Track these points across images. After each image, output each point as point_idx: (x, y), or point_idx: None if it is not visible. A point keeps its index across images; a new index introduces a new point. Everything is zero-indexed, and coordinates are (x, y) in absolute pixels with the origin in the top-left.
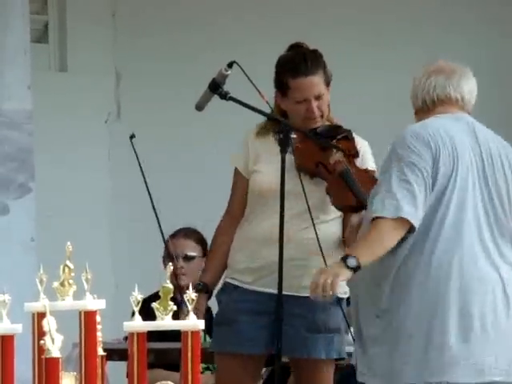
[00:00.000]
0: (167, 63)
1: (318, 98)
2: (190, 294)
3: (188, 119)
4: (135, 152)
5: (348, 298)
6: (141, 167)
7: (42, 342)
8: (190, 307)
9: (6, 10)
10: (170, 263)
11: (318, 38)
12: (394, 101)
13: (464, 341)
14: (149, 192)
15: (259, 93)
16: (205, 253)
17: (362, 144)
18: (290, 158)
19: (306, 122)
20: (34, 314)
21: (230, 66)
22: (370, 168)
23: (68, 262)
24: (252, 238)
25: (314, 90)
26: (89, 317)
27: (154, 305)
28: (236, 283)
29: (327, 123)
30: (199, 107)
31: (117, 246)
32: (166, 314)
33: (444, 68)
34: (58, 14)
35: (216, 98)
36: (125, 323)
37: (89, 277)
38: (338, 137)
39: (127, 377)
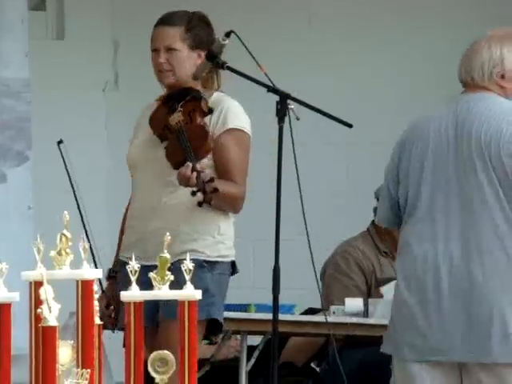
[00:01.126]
0: None
1: (170, 50)
2: (188, 264)
3: None
4: (63, 158)
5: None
6: (68, 173)
7: (38, 310)
8: (187, 277)
9: None
10: (168, 233)
11: (318, 7)
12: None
13: None
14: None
15: (257, 63)
16: None
17: (226, 104)
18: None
19: (158, 75)
20: (31, 283)
21: (227, 35)
22: (230, 127)
23: (65, 231)
24: (130, 213)
25: (165, 40)
26: (86, 286)
27: (151, 274)
28: (123, 260)
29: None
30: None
31: (115, 214)
32: (163, 284)
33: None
34: None
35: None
36: (122, 292)
37: (86, 246)
38: (186, 98)
39: (124, 346)
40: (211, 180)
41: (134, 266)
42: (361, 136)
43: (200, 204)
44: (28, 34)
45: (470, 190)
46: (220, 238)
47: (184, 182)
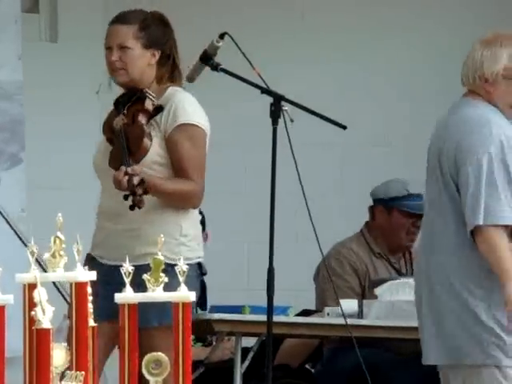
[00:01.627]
0: None
1: (122, 48)
2: (182, 266)
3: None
4: None
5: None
6: None
7: (32, 313)
8: (181, 279)
9: None
10: (162, 234)
11: (314, 9)
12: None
13: None
14: None
15: (251, 64)
16: (204, 227)
17: (177, 99)
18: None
19: (111, 73)
20: (24, 285)
21: (221, 37)
22: (181, 122)
23: (59, 234)
24: (97, 213)
25: (117, 38)
26: (80, 288)
27: (145, 276)
28: (93, 255)
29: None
30: (190, 78)
31: None
32: (157, 286)
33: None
34: None
35: (207, 70)
36: (116, 294)
37: (80, 248)
38: (132, 99)
39: (118, 347)
40: (141, 183)
41: (127, 267)
42: (355, 136)
43: (131, 208)
44: (21, 36)
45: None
46: (183, 239)
47: (117, 185)
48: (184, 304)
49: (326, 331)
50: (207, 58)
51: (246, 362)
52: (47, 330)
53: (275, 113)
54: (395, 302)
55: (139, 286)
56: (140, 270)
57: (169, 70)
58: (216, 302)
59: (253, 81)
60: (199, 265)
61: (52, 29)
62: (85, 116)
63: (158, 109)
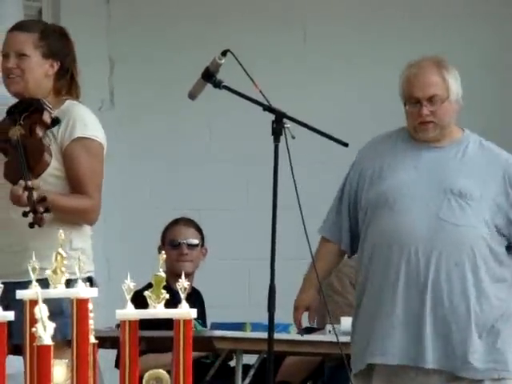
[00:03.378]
0: (161, 50)
1: (21, 56)
2: (183, 283)
3: (182, 107)
4: None
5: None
6: None
7: (33, 329)
8: (182, 295)
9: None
10: (163, 251)
11: (314, 25)
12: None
13: None
14: None
15: (253, 82)
16: (203, 242)
17: (74, 113)
18: None
19: (6, 81)
20: (26, 302)
21: (223, 54)
22: (77, 136)
23: (60, 250)
24: None
25: (16, 45)
26: (81, 305)
27: (147, 293)
28: None
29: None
30: (192, 96)
31: (110, 234)
32: (158, 303)
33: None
34: (51, 1)
35: (209, 86)
36: (117, 311)
37: (81, 264)
38: (29, 109)
39: (116, 366)
40: (43, 199)
41: (129, 284)
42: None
43: (31, 225)
44: None
45: None
46: (72, 253)
47: (16, 201)
48: (185, 321)
49: (327, 349)
50: (209, 75)
51: (247, 380)
52: (48, 347)
53: (277, 130)
54: None
55: (17, 302)
56: (23, 285)
57: (67, 84)
58: (217, 319)
59: (255, 98)
60: (89, 279)
61: None
62: None
63: (55, 121)
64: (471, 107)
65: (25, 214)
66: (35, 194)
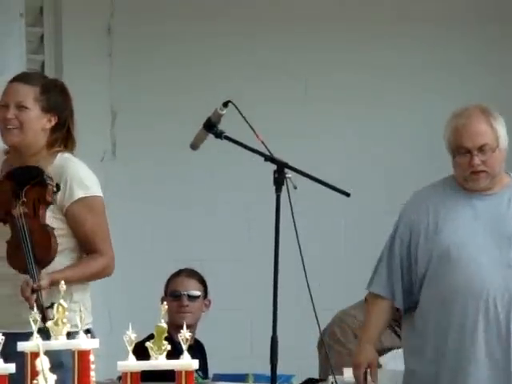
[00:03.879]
0: (163, 102)
1: (20, 107)
2: (185, 334)
3: (184, 157)
4: None
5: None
6: None
7: (35, 381)
8: (184, 347)
9: (3, 50)
10: (165, 302)
11: (315, 76)
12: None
13: None
14: None
15: (254, 132)
16: (206, 294)
17: (69, 172)
18: None
19: (3, 132)
20: (27, 354)
21: (225, 105)
22: (78, 197)
23: (62, 301)
24: None
25: (17, 96)
26: (83, 356)
27: (148, 344)
28: None
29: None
30: (194, 146)
31: (111, 285)
32: (160, 354)
33: None
34: (54, 52)
35: (212, 136)
36: (118, 362)
37: (82, 316)
38: (32, 182)
39: None
40: (51, 306)
41: (130, 335)
42: (359, 204)
43: (40, 330)
44: None
45: None
46: (73, 306)
47: (24, 298)
48: (187, 372)
49: None
50: (211, 126)
51: None
52: None
53: (279, 180)
54: (400, 371)
55: (17, 354)
56: (26, 336)
57: (62, 136)
58: (219, 370)
59: (256, 148)
60: (88, 331)
61: None
62: None
63: (57, 190)
64: None
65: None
66: (44, 296)
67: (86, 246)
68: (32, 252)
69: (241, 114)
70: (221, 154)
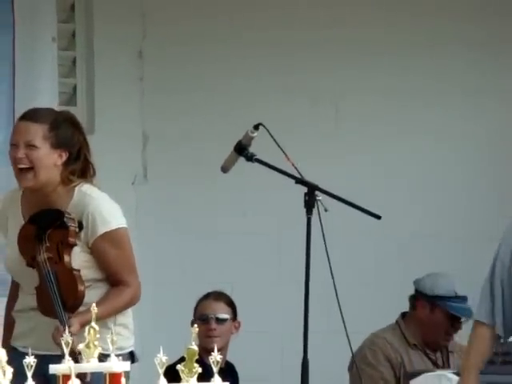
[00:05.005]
0: (194, 126)
1: (30, 146)
2: (216, 356)
3: (215, 181)
4: None
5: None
6: None
7: None
8: (215, 369)
9: (35, 74)
10: (195, 325)
11: (345, 99)
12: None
13: None
14: None
15: (285, 154)
16: (235, 316)
17: (90, 208)
18: None
19: (17, 174)
20: (59, 377)
21: (256, 128)
22: (101, 232)
23: (93, 324)
24: (18, 306)
25: (26, 136)
26: (114, 379)
27: (179, 367)
28: (15, 346)
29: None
30: (225, 169)
31: (142, 309)
32: (191, 376)
33: None
34: (86, 77)
35: (242, 159)
36: None
37: (114, 338)
38: (53, 225)
39: None
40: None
41: (161, 358)
42: (391, 226)
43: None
44: None
45: None
46: (117, 329)
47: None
48: None
49: None
50: (242, 149)
51: None
52: None
53: (309, 202)
54: None
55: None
56: (56, 358)
57: (79, 168)
58: None
59: (287, 171)
60: (131, 353)
61: (89, 121)
62: (121, 207)
63: (79, 228)
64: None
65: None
66: (75, 342)
67: (112, 278)
68: (60, 298)
69: (271, 136)
70: (251, 177)
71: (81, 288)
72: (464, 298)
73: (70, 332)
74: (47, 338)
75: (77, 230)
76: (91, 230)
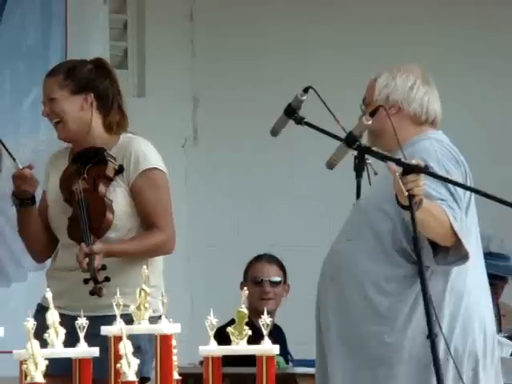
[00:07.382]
0: (244, 89)
1: (51, 100)
2: (266, 319)
3: (264, 144)
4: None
5: None
6: None
7: (118, 365)
8: (265, 332)
9: (87, 37)
10: (245, 287)
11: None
12: None
13: None
14: None
15: (335, 117)
16: (285, 279)
17: (133, 147)
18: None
19: (55, 128)
20: (110, 338)
21: (305, 91)
22: (142, 169)
23: (144, 286)
24: (55, 265)
25: (46, 91)
26: (165, 341)
27: (229, 329)
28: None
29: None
30: (274, 132)
31: (193, 270)
32: (241, 339)
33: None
34: (137, 39)
35: (292, 123)
36: (200, 347)
37: (165, 301)
38: (93, 160)
39: None
40: (103, 268)
41: (211, 320)
42: None
43: (91, 293)
44: None
45: None
46: (151, 290)
47: (79, 264)
48: (267, 357)
49: None
50: (291, 112)
51: None
52: (132, 383)
53: (359, 166)
54: None
55: (96, 336)
56: (104, 320)
57: (116, 118)
58: (299, 356)
59: (336, 133)
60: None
61: (140, 84)
62: (171, 170)
63: (119, 171)
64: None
65: (85, 281)
66: (96, 261)
67: (146, 220)
68: (87, 220)
69: (321, 99)
70: (300, 140)
71: (109, 216)
72: (498, 256)
73: (91, 249)
74: (79, 300)
75: (116, 166)
76: (133, 167)
